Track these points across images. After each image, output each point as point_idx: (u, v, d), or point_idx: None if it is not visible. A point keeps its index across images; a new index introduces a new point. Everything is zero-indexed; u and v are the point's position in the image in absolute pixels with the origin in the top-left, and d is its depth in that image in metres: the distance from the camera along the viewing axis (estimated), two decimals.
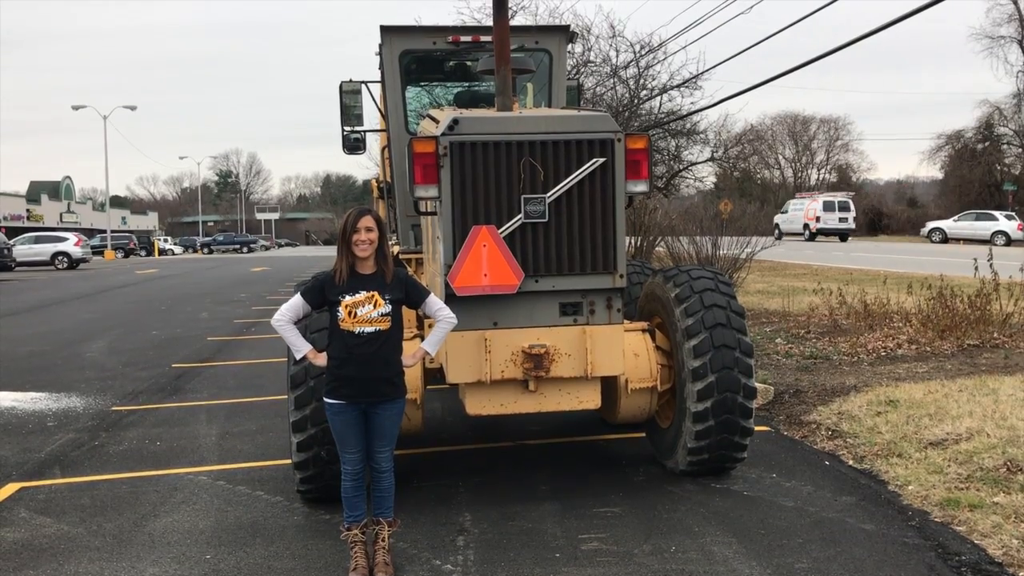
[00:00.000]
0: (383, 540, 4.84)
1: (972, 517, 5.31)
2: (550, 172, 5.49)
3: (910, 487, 5.95)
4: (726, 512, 5.67)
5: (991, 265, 11.56)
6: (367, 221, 4.66)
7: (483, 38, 7.89)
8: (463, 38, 7.98)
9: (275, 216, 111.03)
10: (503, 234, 5.44)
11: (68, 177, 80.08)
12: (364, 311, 4.65)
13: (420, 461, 6.93)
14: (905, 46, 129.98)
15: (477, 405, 5.69)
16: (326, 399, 4.77)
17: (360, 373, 4.66)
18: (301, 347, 4.83)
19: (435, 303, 4.90)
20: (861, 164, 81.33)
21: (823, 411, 7.94)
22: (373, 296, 4.67)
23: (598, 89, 23.63)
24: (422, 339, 6.05)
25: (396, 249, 8.35)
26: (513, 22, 13.44)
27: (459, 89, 8.81)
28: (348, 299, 4.65)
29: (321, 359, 4.79)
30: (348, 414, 4.71)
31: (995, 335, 10.93)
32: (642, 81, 24.25)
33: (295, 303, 4.79)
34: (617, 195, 5.58)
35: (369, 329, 4.66)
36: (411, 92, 8.47)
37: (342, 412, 4.71)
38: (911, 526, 5.35)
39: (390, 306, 4.69)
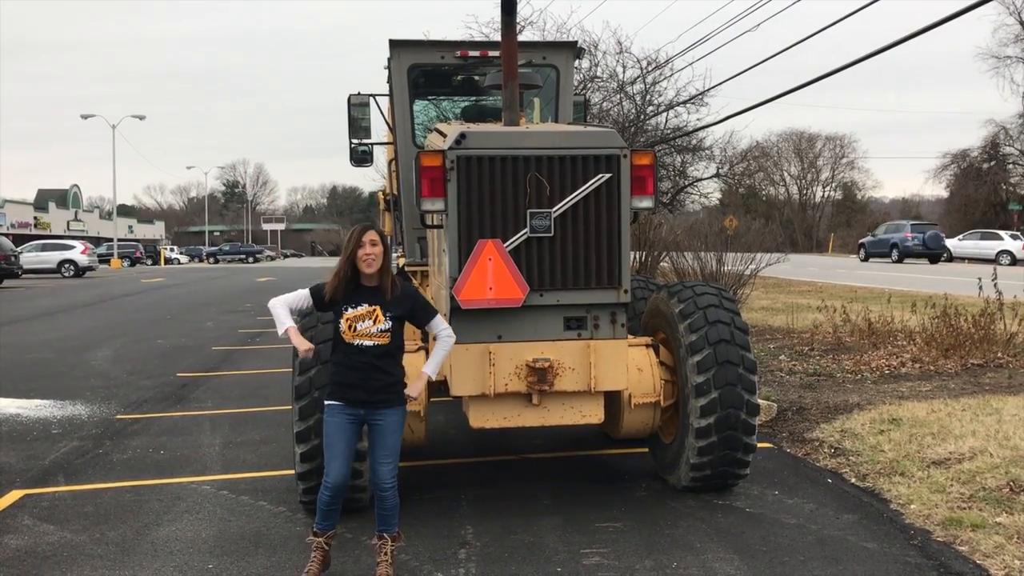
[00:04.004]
0: (386, 554, 4.85)
1: (974, 537, 5.30)
2: (556, 187, 5.52)
3: (912, 506, 5.95)
4: (728, 529, 5.67)
5: (995, 284, 11.57)
6: (372, 235, 4.72)
7: (491, 53, 7.95)
8: (471, 53, 8.03)
9: (281, 227, 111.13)
10: (509, 248, 5.47)
11: (76, 185, 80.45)
12: (364, 326, 4.69)
13: (423, 473, 6.93)
14: (908, 64, 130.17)
15: (481, 418, 5.71)
16: (325, 401, 4.82)
17: (359, 381, 4.71)
18: (285, 321, 4.79)
19: (440, 323, 4.94)
20: (867, 182, 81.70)
21: (826, 429, 7.94)
22: (374, 311, 4.70)
23: (605, 104, 23.72)
24: (426, 352, 6.08)
25: (402, 261, 8.39)
26: (521, 37, 13.53)
27: (466, 103, 8.87)
28: (349, 312, 4.70)
29: (304, 344, 4.79)
30: (343, 416, 4.73)
31: (999, 355, 10.93)
32: (648, 97, 24.34)
33: (299, 294, 4.85)
34: (622, 211, 5.61)
35: (368, 343, 4.71)
36: (419, 105, 8.52)
37: (339, 414, 4.74)
38: (913, 545, 5.34)
39: (390, 323, 4.73)
